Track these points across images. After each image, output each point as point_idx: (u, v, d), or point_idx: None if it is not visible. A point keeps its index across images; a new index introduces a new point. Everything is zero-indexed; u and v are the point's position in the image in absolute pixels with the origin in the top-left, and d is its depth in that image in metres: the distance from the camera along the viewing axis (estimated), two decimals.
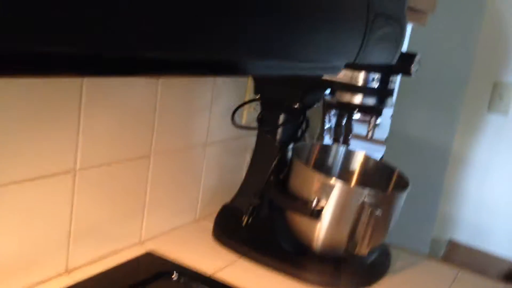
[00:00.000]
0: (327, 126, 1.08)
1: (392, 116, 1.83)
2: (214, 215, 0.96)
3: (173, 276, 0.74)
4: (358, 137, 1.36)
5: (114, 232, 0.78)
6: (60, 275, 0.70)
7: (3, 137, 0.59)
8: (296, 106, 0.86)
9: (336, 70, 0.65)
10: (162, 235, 0.88)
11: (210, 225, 0.95)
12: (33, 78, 0.61)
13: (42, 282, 0.68)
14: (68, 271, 0.71)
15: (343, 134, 0.90)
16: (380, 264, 0.87)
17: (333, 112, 1.00)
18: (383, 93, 0.81)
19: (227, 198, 0.99)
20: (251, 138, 1.06)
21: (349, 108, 0.83)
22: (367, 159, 0.93)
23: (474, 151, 1.70)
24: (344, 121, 0.90)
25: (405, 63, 0.78)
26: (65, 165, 0.68)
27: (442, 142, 1.72)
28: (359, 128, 1.11)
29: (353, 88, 0.79)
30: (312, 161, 0.90)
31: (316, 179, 0.78)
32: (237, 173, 1.07)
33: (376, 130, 0.95)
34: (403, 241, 0.99)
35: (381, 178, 0.90)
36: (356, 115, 0.87)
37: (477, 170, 1.70)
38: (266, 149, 0.89)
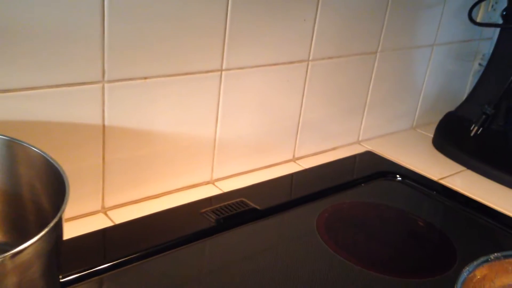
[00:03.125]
0: None
1: None
2: (433, 125, 0.89)
3: (397, 176, 0.72)
4: None
5: (334, 129, 0.79)
6: (288, 161, 0.74)
7: (249, 25, 0.61)
8: None
9: None
10: (379, 137, 0.86)
11: (427, 134, 0.89)
12: None
13: (274, 165, 0.72)
14: (294, 159, 0.75)
15: None
16: None
17: None
18: None
19: (448, 108, 0.91)
20: (483, 43, 0.94)
21: None
22: None
23: None
24: None
25: None
26: (300, 55, 0.68)
27: None
28: None
29: None
30: None
31: None
32: (462, 81, 0.96)
33: None
34: None
35: None
36: None
37: None
38: (510, 50, 0.77)
